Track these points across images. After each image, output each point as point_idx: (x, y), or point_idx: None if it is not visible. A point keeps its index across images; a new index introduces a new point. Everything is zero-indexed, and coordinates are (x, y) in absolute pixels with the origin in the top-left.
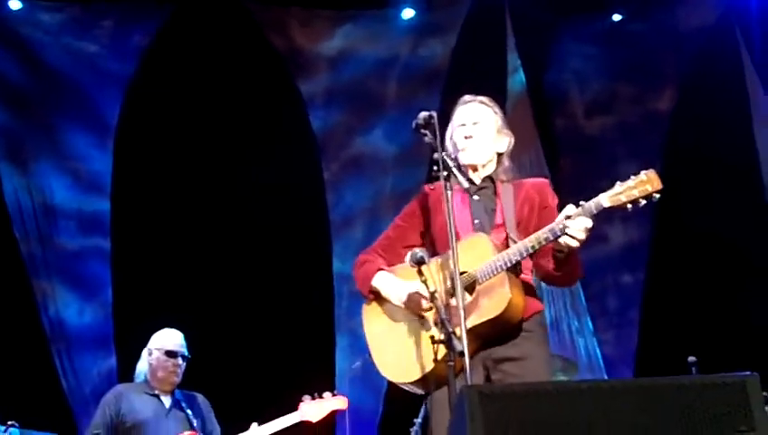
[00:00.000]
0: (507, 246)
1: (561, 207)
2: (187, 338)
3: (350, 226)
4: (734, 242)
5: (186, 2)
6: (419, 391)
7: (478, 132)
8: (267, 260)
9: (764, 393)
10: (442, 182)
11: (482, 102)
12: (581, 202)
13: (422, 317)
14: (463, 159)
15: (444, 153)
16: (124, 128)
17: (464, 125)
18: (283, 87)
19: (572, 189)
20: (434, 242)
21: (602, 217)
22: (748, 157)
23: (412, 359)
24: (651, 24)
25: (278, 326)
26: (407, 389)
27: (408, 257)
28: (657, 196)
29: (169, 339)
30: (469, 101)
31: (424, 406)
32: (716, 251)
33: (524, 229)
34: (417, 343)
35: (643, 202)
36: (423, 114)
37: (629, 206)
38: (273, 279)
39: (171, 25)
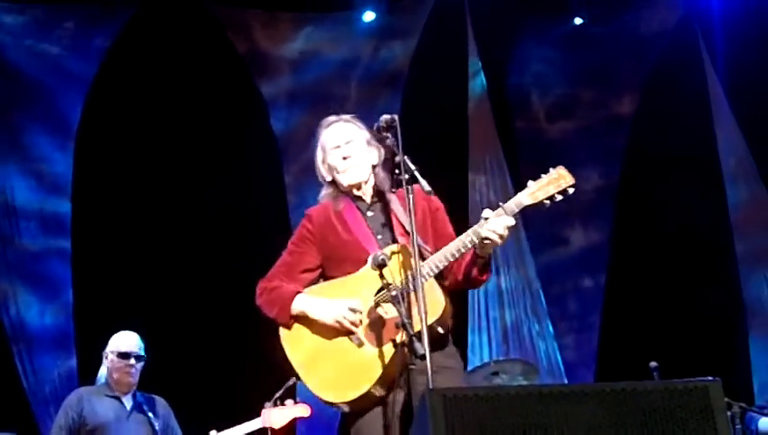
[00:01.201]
0: (420, 254)
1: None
2: (148, 341)
3: None
4: (695, 243)
5: (148, 4)
6: (349, 411)
7: (354, 150)
8: (228, 262)
9: (726, 399)
10: (404, 185)
11: (347, 121)
12: (500, 203)
13: (351, 333)
14: (345, 181)
15: (405, 156)
16: (85, 129)
17: (338, 147)
18: (245, 89)
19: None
20: (335, 260)
21: (563, 221)
22: (709, 159)
23: (351, 376)
24: (613, 27)
25: (239, 330)
26: (341, 409)
27: (369, 260)
28: (572, 190)
29: (123, 341)
30: (334, 122)
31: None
32: (677, 253)
33: (424, 235)
34: (354, 360)
35: (559, 197)
36: (385, 117)
37: (547, 202)
38: (234, 282)
39: (133, 27)
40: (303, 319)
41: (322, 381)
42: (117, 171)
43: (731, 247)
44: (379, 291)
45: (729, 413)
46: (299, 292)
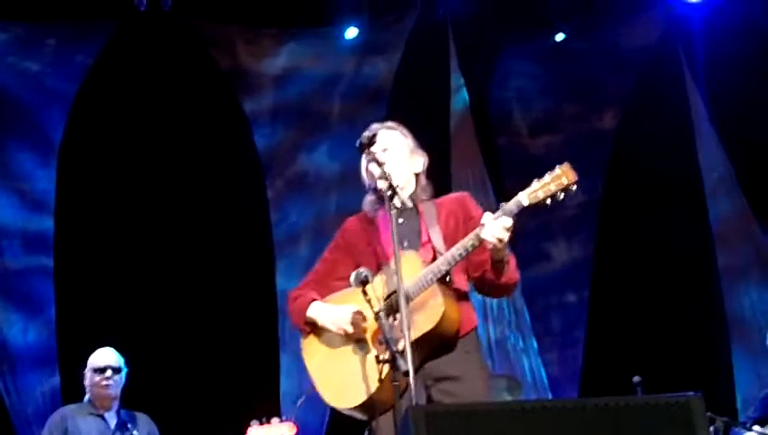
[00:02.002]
0: None
1: None
2: (132, 358)
3: (295, 244)
4: (678, 258)
5: (130, 20)
6: (363, 418)
7: (389, 158)
8: (211, 279)
9: (710, 414)
10: (386, 201)
11: (389, 128)
12: (502, 203)
13: (360, 341)
14: (381, 185)
15: (387, 173)
16: (68, 146)
17: (376, 153)
18: (228, 105)
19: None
20: (364, 266)
21: (546, 236)
22: (691, 174)
23: (355, 383)
24: (594, 43)
25: (222, 346)
26: (352, 415)
27: (352, 277)
28: (574, 187)
29: (97, 356)
30: (379, 129)
31: (366, 433)
32: (660, 268)
33: (452, 243)
34: (359, 368)
35: (561, 196)
36: (367, 133)
37: (549, 201)
38: (216, 298)
39: (115, 44)
40: (317, 327)
41: (330, 389)
42: (100, 188)
43: (713, 262)
44: (384, 299)
45: (712, 428)
46: (315, 299)
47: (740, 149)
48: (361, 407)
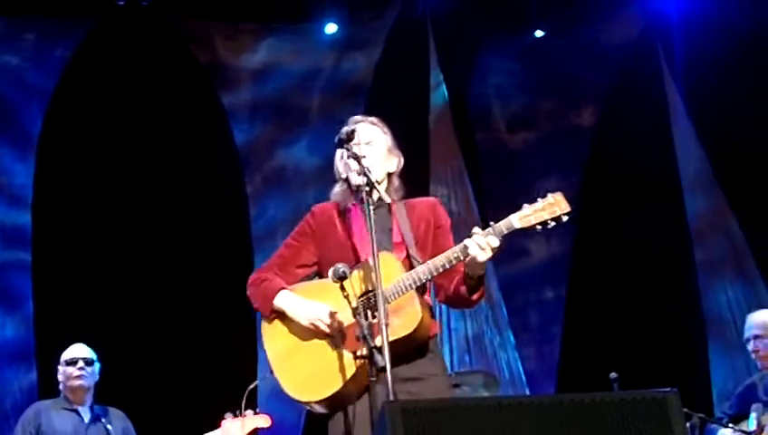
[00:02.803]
0: (410, 265)
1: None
2: (108, 353)
3: (273, 238)
4: (656, 254)
5: (109, 15)
6: (323, 411)
7: (371, 152)
8: (189, 273)
9: (686, 410)
10: (364, 196)
11: (372, 123)
12: (491, 223)
13: (328, 335)
14: (355, 180)
15: (366, 168)
16: (46, 140)
17: (357, 144)
18: (207, 100)
19: (495, 204)
20: (330, 260)
21: (524, 232)
22: (668, 170)
23: (321, 377)
24: (573, 40)
25: (201, 341)
26: (312, 408)
27: (330, 273)
28: (566, 218)
29: (69, 351)
30: (360, 121)
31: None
32: (638, 264)
33: (423, 248)
34: (327, 362)
35: (552, 224)
36: (347, 128)
37: (539, 227)
38: (194, 293)
39: (94, 38)
40: (283, 316)
41: (292, 379)
42: (78, 183)
43: (690, 257)
44: (361, 296)
45: (689, 424)
46: (284, 288)
47: (717, 144)
48: (325, 401)
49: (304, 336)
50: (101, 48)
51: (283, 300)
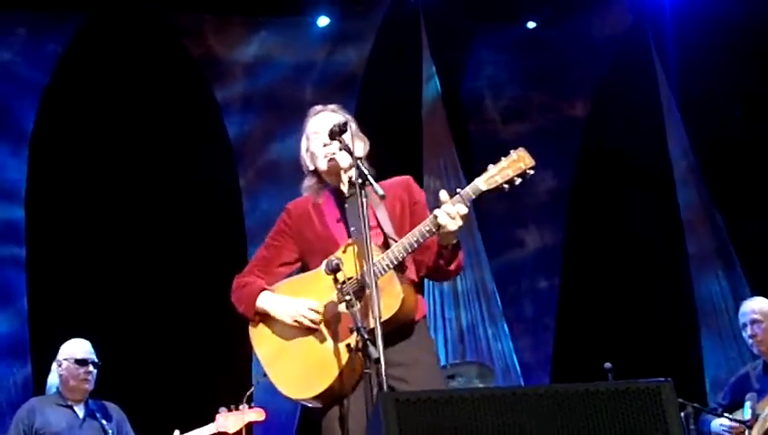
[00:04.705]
0: (387, 247)
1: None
2: (103, 347)
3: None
4: (648, 245)
5: (101, 9)
6: (318, 406)
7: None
8: (183, 268)
9: (680, 400)
10: (357, 189)
11: (333, 111)
12: (458, 190)
13: (312, 330)
14: (322, 168)
15: (359, 160)
16: (39, 135)
17: (318, 133)
18: (199, 93)
19: (488, 195)
20: (311, 252)
21: (518, 223)
22: (661, 161)
23: (313, 373)
24: (565, 31)
25: (195, 335)
26: (307, 404)
27: (323, 266)
28: (531, 172)
29: (78, 348)
30: (321, 111)
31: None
32: (631, 254)
33: (401, 227)
34: (316, 357)
35: (518, 181)
36: (339, 120)
37: (506, 186)
38: (189, 287)
39: (87, 33)
40: (268, 317)
41: (285, 379)
42: (71, 177)
43: (683, 248)
44: (342, 283)
45: (683, 414)
46: (264, 289)
47: (706, 137)
48: (320, 396)
49: (290, 334)
50: (94, 42)
51: (265, 301)
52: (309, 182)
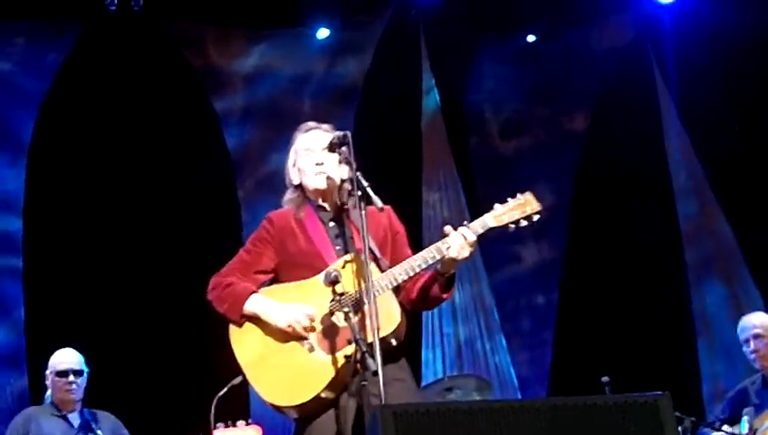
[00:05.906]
0: (378, 266)
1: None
2: (99, 358)
3: None
4: (647, 259)
5: (100, 19)
6: (295, 416)
7: (327, 159)
8: (180, 279)
9: (678, 413)
10: (356, 201)
11: (326, 130)
12: (465, 222)
13: (303, 338)
14: (313, 185)
15: (357, 172)
16: (37, 146)
17: (311, 151)
18: (198, 104)
19: (487, 209)
20: (292, 266)
21: (516, 238)
22: (661, 175)
23: (300, 381)
24: (565, 45)
25: (191, 345)
26: (284, 413)
27: (322, 277)
28: (537, 217)
29: (59, 358)
30: (313, 128)
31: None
32: (629, 269)
33: (383, 253)
34: (304, 365)
35: (524, 223)
36: (338, 133)
37: (512, 226)
38: (187, 299)
39: (86, 43)
40: (255, 319)
41: (269, 384)
42: (69, 188)
43: (681, 263)
44: (336, 296)
45: (680, 428)
46: (254, 291)
47: (709, 148)
48: (304, 405)
49: (278, 339)
50: (93, 53)
51: (256, 304)
52: (291, 196)
